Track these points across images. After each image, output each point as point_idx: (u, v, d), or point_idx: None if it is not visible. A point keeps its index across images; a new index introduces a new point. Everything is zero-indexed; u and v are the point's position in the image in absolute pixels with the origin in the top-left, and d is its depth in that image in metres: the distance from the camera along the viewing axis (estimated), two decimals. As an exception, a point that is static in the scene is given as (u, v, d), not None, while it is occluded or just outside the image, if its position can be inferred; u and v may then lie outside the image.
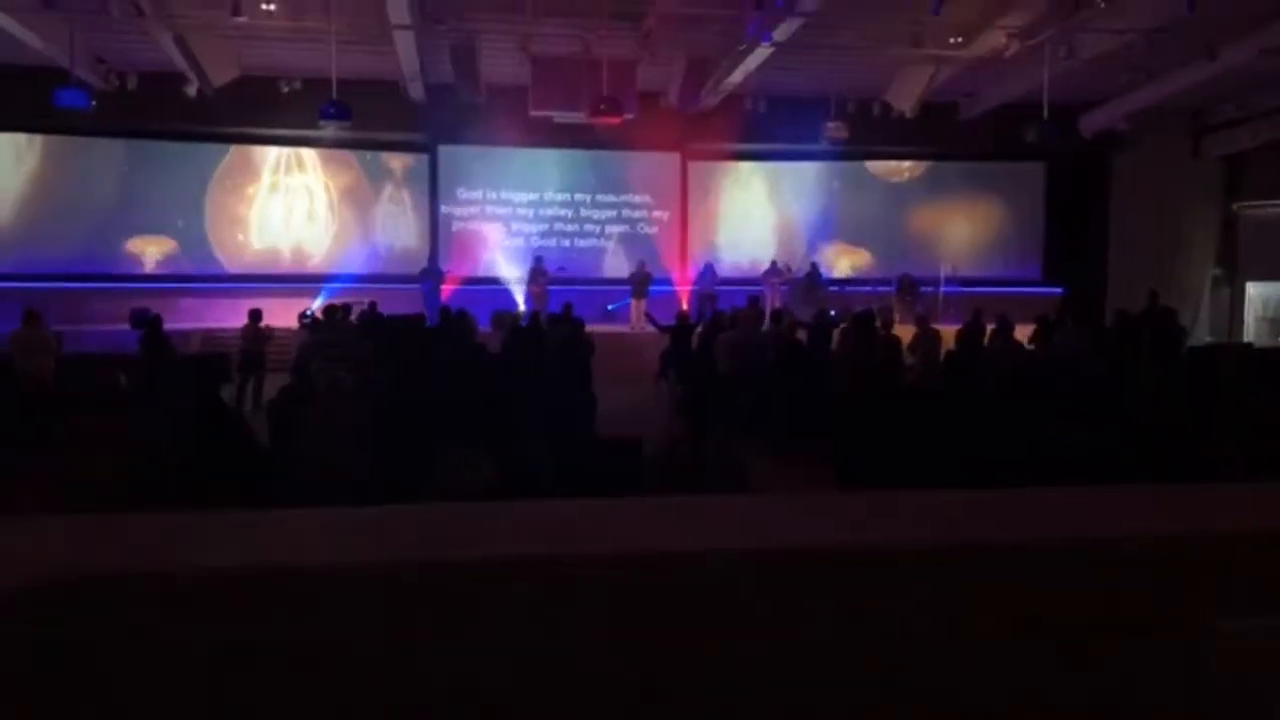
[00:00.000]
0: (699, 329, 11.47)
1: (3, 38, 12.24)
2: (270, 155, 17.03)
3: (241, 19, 11.55)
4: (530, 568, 1.27)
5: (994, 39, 13.03)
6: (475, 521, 1.52)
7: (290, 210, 17.14)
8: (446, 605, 1.25)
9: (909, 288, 16.51)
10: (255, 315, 11.04)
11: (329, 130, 14.23)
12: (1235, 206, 18.12)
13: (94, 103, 12.94)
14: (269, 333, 11.09)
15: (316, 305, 13.77)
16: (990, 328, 9.69)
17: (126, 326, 12.68)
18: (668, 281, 17.41)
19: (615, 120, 13.46)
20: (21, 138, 15.91)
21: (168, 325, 10.75)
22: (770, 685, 1.30)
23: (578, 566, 1.28)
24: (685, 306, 15.26)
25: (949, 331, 10.30)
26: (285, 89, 15.19)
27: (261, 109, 15.42)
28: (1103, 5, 11.39)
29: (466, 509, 1.63)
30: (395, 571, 1.26)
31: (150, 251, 16.63)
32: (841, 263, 18.58)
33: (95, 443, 3.85)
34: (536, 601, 1.26)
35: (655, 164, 17.84)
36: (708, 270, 16.94)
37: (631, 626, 1.27)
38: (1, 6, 11.13)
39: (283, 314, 14.60)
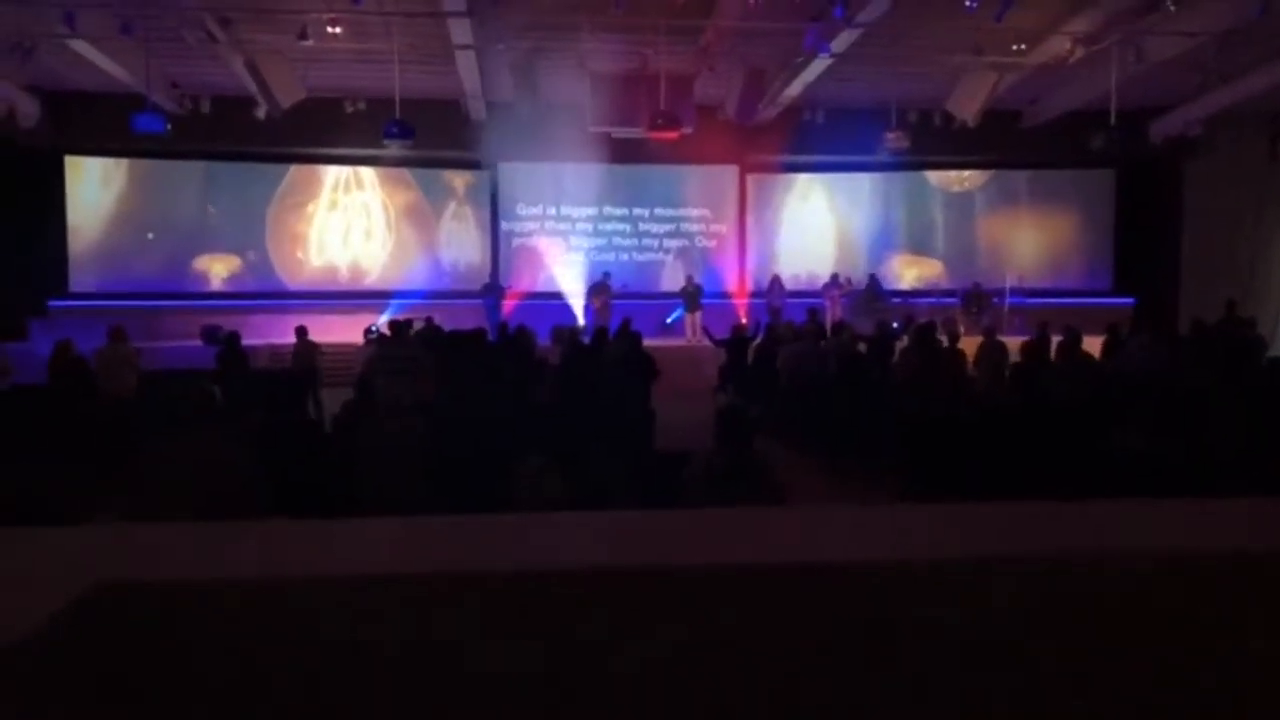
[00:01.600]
0: (755, 342, 11.42)
1: (86, 65, 12.75)
2: (330, 174, 17.43)
3: (308, 42, 11.88)
4: (588, 577, 1.28)
5: (1058, 45, 12.80)
6: (534, 531, 1.54)
7: (349, 228, 17.53)
8: (505, 612, 1.27)
9: (975, 299, 16.23)
10: (302, 332, 11.26)
11: (392, 149, 14.52)
12: (1315, 212, 17.49)
13: (169, 127, 13.40)
14: (317, 348, 11.29)
15: (382, 321, 14.01)
16: (1057, 340, 9.48)
17: (194, 342, 13.07)
18: (725, 295, 17.38)
19: (673, 135, 13.50)
20: (109, 161, 16.56)
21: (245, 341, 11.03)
22: (821, 694, 1.28)
23: (645, 576, 1.28)
24: (743, 319, 15.20)
25: (1014, 343, 10.10)
26: (350, 109, 15.54)
27: (327, 129, 15.80)
28: (1172, 8, 11.13)
29: (527, 520, 1.65)
30: (452, 581, 1.28)
31: (217, 269, 17.13)
32: (909, 273, 18.36)
33: (182, 457, 3.96)
34: (595, 609, 1.27)
35: (713, 177, 17.85)
36: (774, 283, 16.86)
37: (681, 635, 1.27)
38: (82, 34, 11.59)
39: (344, 330, 14.92)
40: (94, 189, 16.64)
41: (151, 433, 4.07)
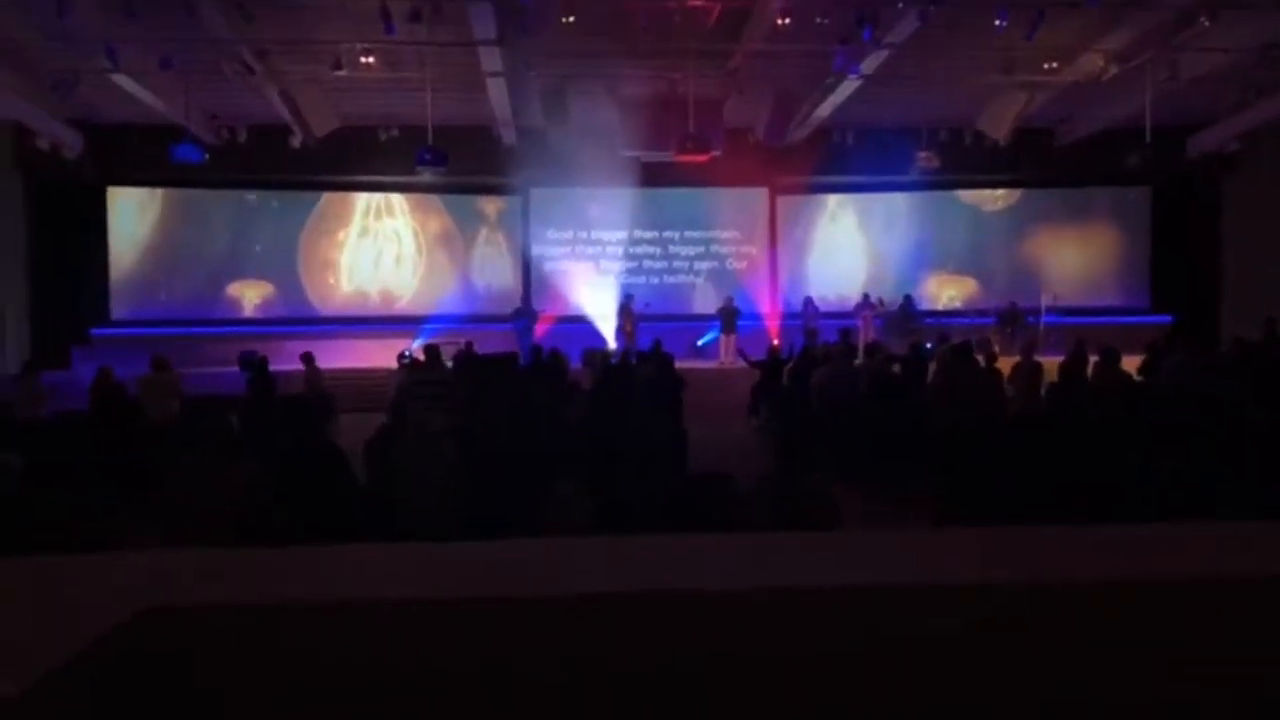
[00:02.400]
0: (790, 363, 11.37)
1: (126, 98, 13.05)
2: (361, 201, 17.66)
3: (342, 72, 12.08)
4: (626, 602, 1.28)
5: (1090, 63, 12.71)
6: (569, 557, 1.53)
7: (380, 254, 17.73)
8: (539, 637, 1.26)
9: (1011, 318, 16.07)
10: (308, 358, 11.37)
11: (425, 175, 14.69)
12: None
13: (207, 156, 13.65)
14: (320, 375, 11.38)
15: (415, 345, 14.13)
16: (1094, 359, 9.35)
17: (232, 369, 13.23)
18: (757, 316, 17.34)
19: (702, 158, 13.55)
20: (144, 192, 16.90)
21: (271, 367, 11.17)
22: (865, 713, 1.27)
23: (675, 601, 1.28)
24: (776, 341, 15.15)
25: (1051, 363, 9.97)
26: (383, 136, 15.75)
27: (360, 156, 16.02)
28: (1206, 24, 11.02)
29: (560, 544, 1.65)
30: (493, 605, 1.28)
31: (249, 296, 17.37)
32: (943, 294, 18.23)
33: (206, 483, 4.01)
34: (631, 634, 1.26)
35: (743, 199, 17.88)
36: (809, 304, 16.80)
37: (725, 660, 1.26)
38: (124, 69, 11.87)
39: (377, 355, 15.06)
40: (133, 219, 16.98)
41: (176, 459, 4.12)
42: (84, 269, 16.46)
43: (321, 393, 10.97)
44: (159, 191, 16.92)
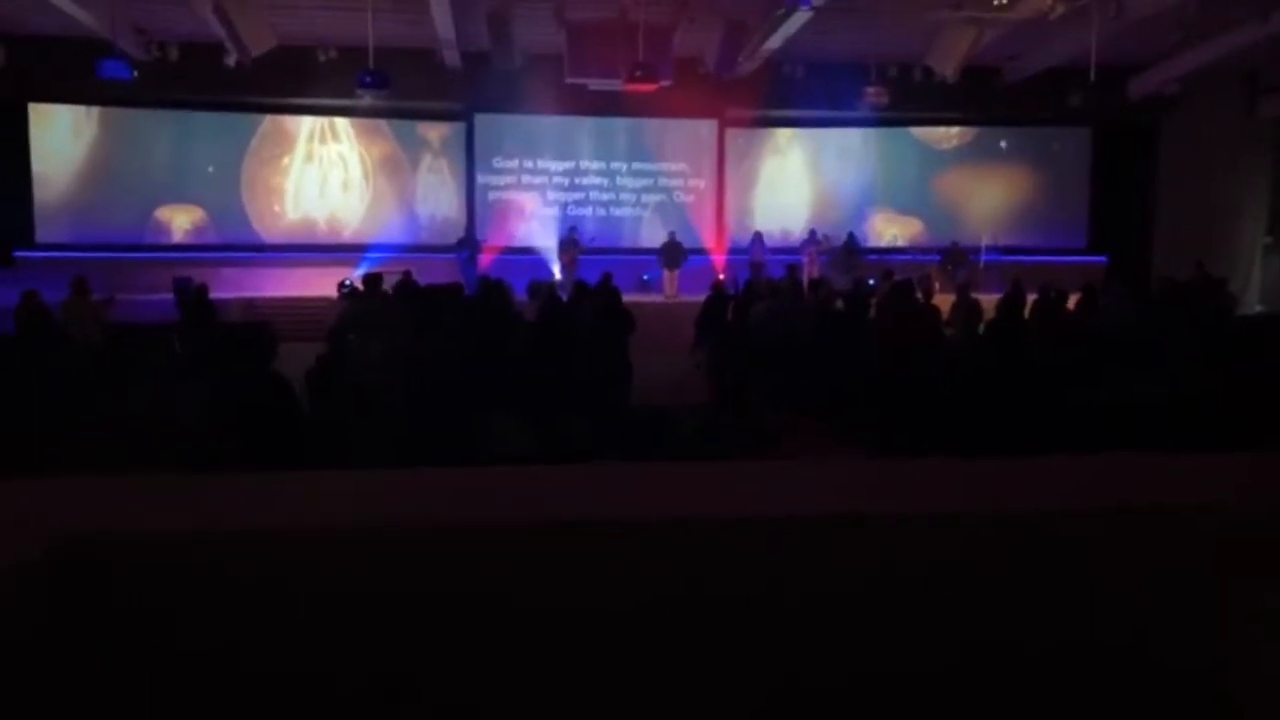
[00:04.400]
0: (734, 298, 11.40)
1: (45, 7, 12.38)
2: (305, 125, 17.11)
3: (279, -12, 11.61)
4: (562, 531, 1.27)
5: (1039, 1, 12.71)
6: (510, 485, 1.52)
7: (325, 180, 17.25)
8: (481, 565, 1.26)
9: (954, 256, 16.27)
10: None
11: (366, 99, 14.27)
12: (1289, 172, 17.63)
13: (136, 74, 13.06)
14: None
15: (356, 275, 13.87)
16: (1032, 297, 9.53)
17: (167, 295, 12.88)
18: (703, 251, 17.31)
19: (651, 87, 13.34)
20: (80, 110, 16.15)
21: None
22: (799, 644, 1.29)
23: (607, 529, 1.27)
24: (721, 276, 15.17)
25: (989, 301, 10.15)
26: (322, 58, 15.23)
27: (299, 78, 15.48)
28: (1154, -36, 11.07)
29: (499, 473, 1.63)
30: (427, 533, 1.27)
31: (179, 220, 16.82)
32: (889, 231, 18.34)
33: (146, 413, 3.91)
34: (568, 563, 1.26)
35: (692, 131, 17.69)
36: (757, 240, 16.81)
37: (661, 589, 1.27)
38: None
39: (320, 283, 14.76)
40: (62, 138, 16.24)
41: (113, 387, 4.00)
42: (4, 189, 15.75)
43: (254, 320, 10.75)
44: (94, 110, 16.17)
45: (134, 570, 1.23)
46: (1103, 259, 17.28)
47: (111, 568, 1.23)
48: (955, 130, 18.30)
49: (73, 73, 13.98)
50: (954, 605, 1.31)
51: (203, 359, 6.45)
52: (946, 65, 15.22)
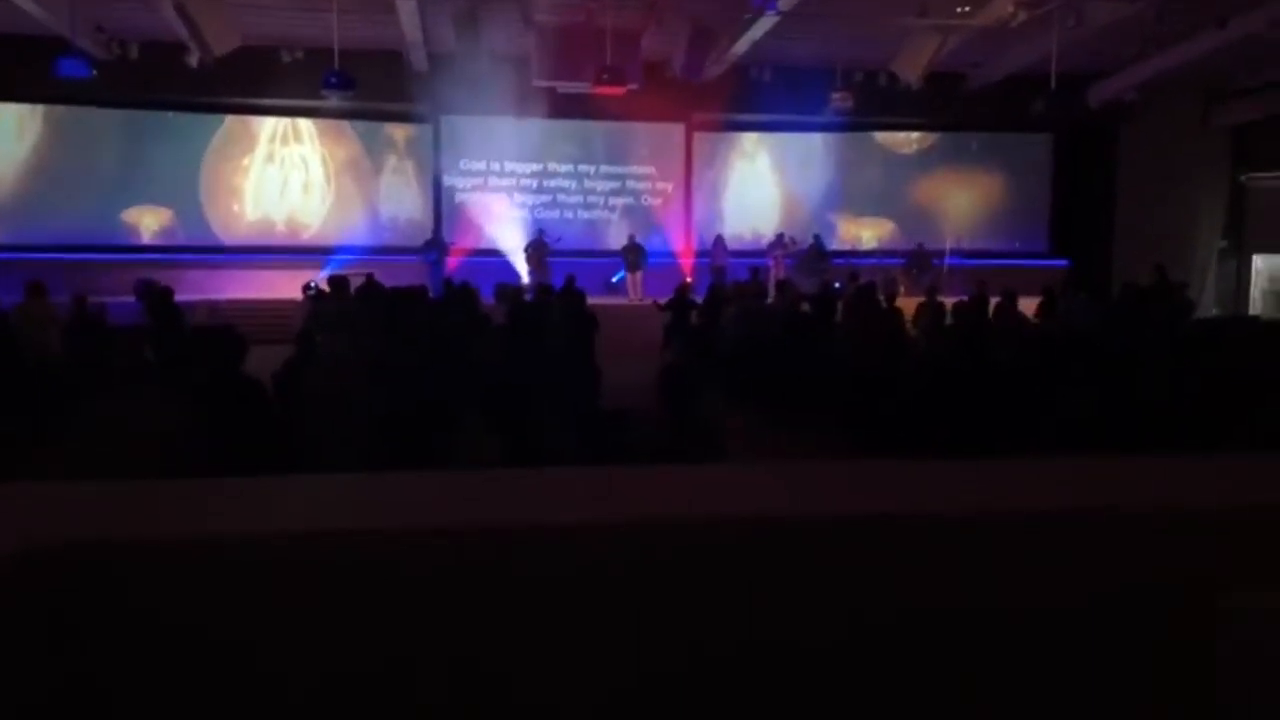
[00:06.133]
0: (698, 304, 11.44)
1: (5, 6, 12.15)
2: (267, 125, 16.93)
3: (242, -13, 11.48)
4: (527, 534, 1.27)
5: (1001, 8, 12.88)
6: (477, 489, 1.52)
7: (286, 181, 17.08)
8: (445, 570, 1.25)
9: (918, 260, 16.44)
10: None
11: (331, 100, 14.15)
12: (1244, 178, 18.00)
13: (94, 72, 12.85)
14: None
15: (321, 277, 13.75)
16: (995, 300, 9.65)
17: (128, 298, 12.65)
18: (670, 254, 17.35)
19: (619, 90, 13.36)
20: (25, 108, 15.85)
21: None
22: (759, 651, 1.30)
23: (573, 532, 1.28)
24: (688, 279, 15.23)
25: (954, 304, 10.27)
26: (286, 58, 15.08)
27: (263, 79, 15.32)
28: (1112, -27, 11.27)
29: (467, 477, 1.63)
30: (394, 538, 1.26)
31: (147, 222, 16.59)
32: (854, 234, 18.50)
33: (117, 417, 3.84)
34: (538, 568, 1.26)
35: (659, 135, 17.73)
36: (718, 243, 16.88)
37: (623, 592, 1.27)
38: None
39: (284, 285, 14.60)
40: (9, 136, 15.92)
41: (82, 392, 3.93)
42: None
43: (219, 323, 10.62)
44: (38, 109, 15.87)
45: (104, 577, 1.22)
46: (1064, 262, 17.54)
47: (80, 575, 1.21)
48: (916, 135, 18.51)
49: (28, 71, 13.74)
50: (922, 608, 1.32)
51: (171, 363, 6.35)
52: (911, 71, 15.40)
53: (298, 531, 1.26)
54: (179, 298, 9.92)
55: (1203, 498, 1.46)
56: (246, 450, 4.24)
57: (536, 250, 15.79)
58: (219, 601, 1.21)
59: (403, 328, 7.77)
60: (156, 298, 9.87)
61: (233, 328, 9.73)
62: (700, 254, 17.29)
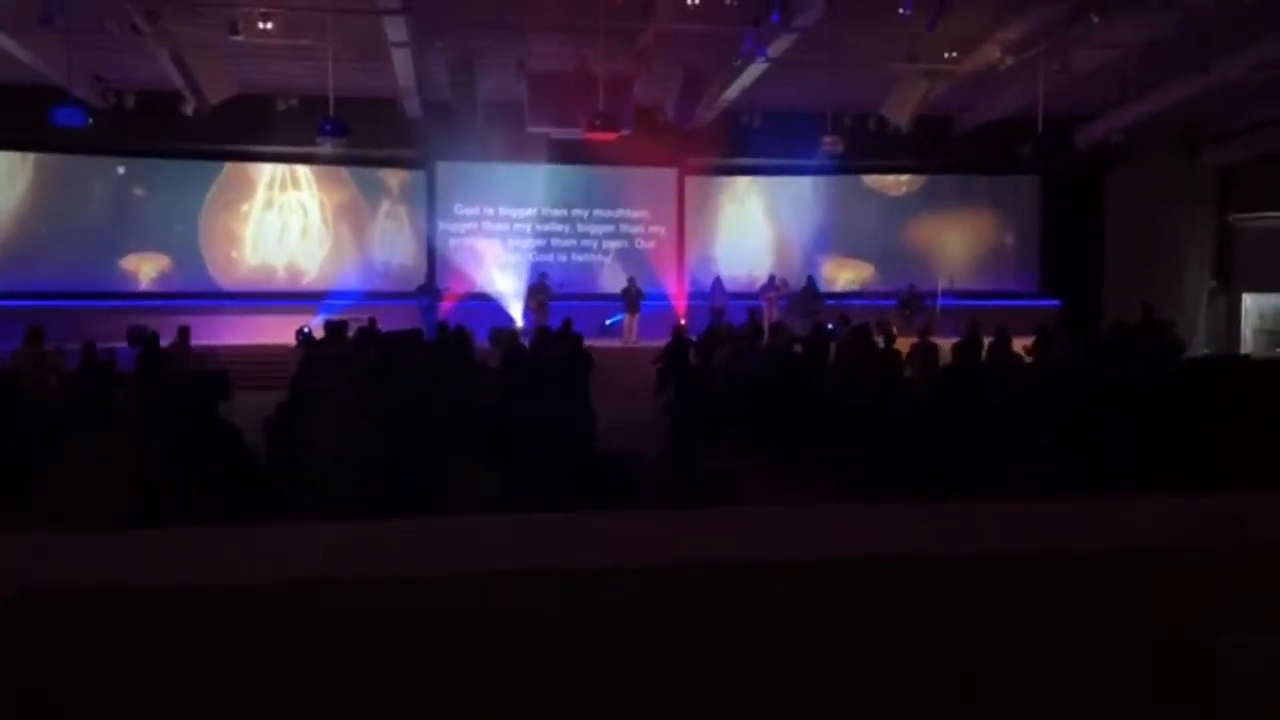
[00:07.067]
0: (695, 343, 11.49)
1: (3, 57, 12.28)
2: (265, 172, 17.04)
3: (239, 37, 11.61)
4: (528, 580, 1.27)
5: (988, 53, 13.10)
6: (474, 535, 1.52)
7: (285, 227, 17.16)
8: (445, 617, 1.25)
9: (910, 301, 16.53)
10: (183, 333, 11.05)
11: (326, 147, 14.26)
12: (1231, 218, 18.17)
13: (91, 121, 12.95)
14: (189, 350, 11.03)
15: (315, 322, 13.76)
16: (989, 340, 9.70)
17: (125, 344, 12.64)
18: (665, 296, 17.41)
19: (612, 136, 13.49)
20: (16, 156, 15.93)
21: (165, 342, 10.75)
22: (763, 692, 1.29)
23: (575, 578, 1.27)
24: (682, 321, 15.28)
25: (947, 344, 10.31)
26: (282, 106, 15.22)
27: (258, 126, 15.44)
28: (1095, 20, 11.47)
29: (466, 523, 1.62)
30: (395, 584, 1.26)
31: (145, 269, 16.63)
32: (841, 276, 18.60)
33: (94, 460, 3.83)
34: (534, 612, 1.25)
35: (652, 179, 17.87)
36: (717, 284, 16.97)
37: (627, 637, 1.27)
38: (0, 25, 11.16)
39: (279, 331, 14.61)
40: (1, 184, 15.95)
41: (65, 438, 3.93)
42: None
43: (207, 368, 10.60)
44: (29, 157, 15.92)
45: (90, 624, 1.21)
46: (1056, 302, 17.64)
47: (67, 621, 1.20)
48: (905, 178, 18.70)
49: (25, 119, 13.82)
50: (923, 646, 1.32)
51: (149, 408, 6.35)
52: (900, 115, 15.61)
53: (282, 580, 1.26)
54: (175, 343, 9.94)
55: (1201, 537, 1.46)
56: (223, 496, 4.22)
57: (538, 294, 15.84)
58: (200, 647, 1.20)
59: (397, 372, 7.78)
60: (143, 343, 9.88)
61: (207, 373, 9.74)
62: (697, 295, 17.36)
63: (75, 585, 1.24)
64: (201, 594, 1.26)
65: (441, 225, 17.42)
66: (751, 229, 18.51)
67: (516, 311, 16.53)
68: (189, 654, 1.22)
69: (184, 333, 11.04)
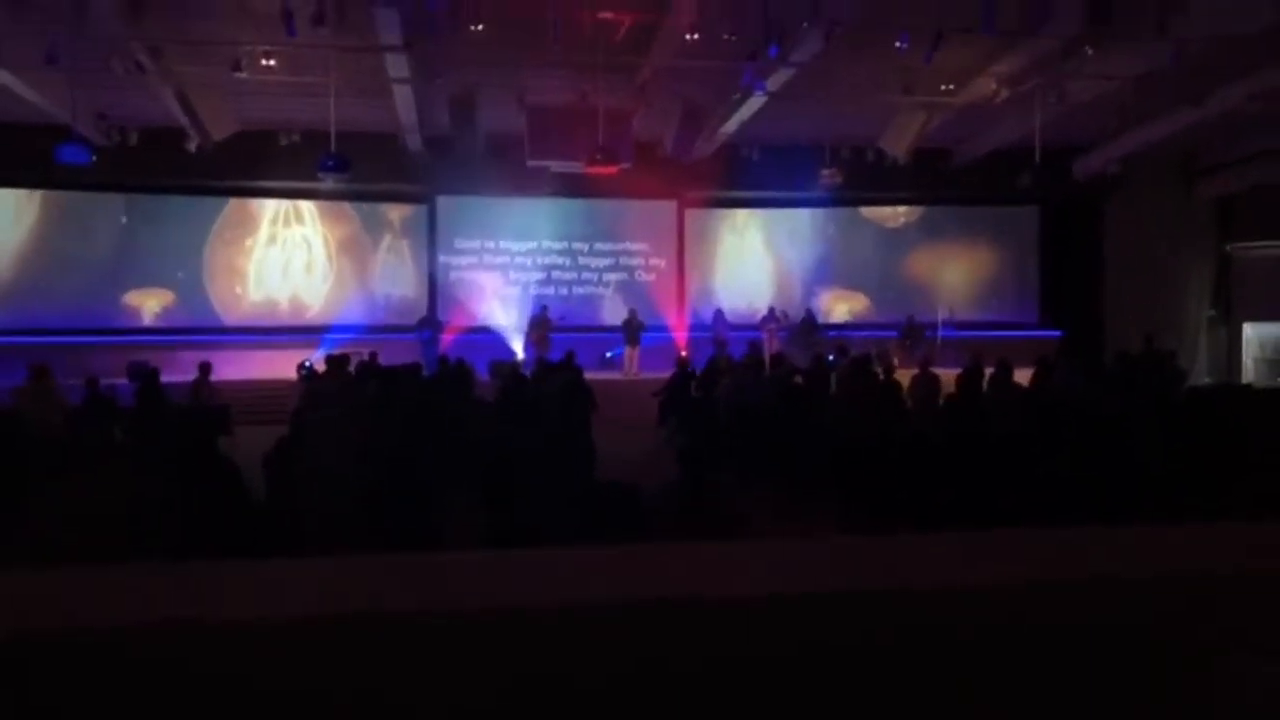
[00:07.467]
0: (697, 375, 11.48)
1: (4, 95, 12.39)
2: (269, 207, 17.14)
3: (242, 75, 11.73)
4: (529, 616, 1.25)
5: (984, 86, 13.22)
6: (473, 571, 1.50)
7: (288, 262, 17.23)
8: (443, 654, 1.23)
9: (910, 332, 16.54)
10: (204, 368, 11.04)
11: (328, 182, 14.35)
12: (1229, 247, 18.23)
13: (95, 158, 13.05)
14: (207, 387, 11.02)
15: (316, 356, 13.77)
16: (989, 371, 9.69)
17: (123, 380, 12.65)
18: (665, 329, 17.45)
19: (611, 170, 13.58)
20: (22, 193, 16.03)
21: (168, 378, 10.76)
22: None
23: (578, 613, 1.26)
24: (684, 353, 15.29)
25: (947, 375, 10.30)
26: (284, 141, 15.35)
27: (261, 162, 15.57)
28: (1090, 52, 11.58)
29: (464, 559, 1.61)
30: (391, 620, 1.24)
31: (149, 305, 16.68)
32: (839, 308, 18.65)
33: (93, 496, 3.82)
34: (534, 649, 1.24)
35: (652, 212, 17.98)
36: (718, 317, 17.01)
37: (632, 671, 1.25)
38: (4, 64, 11.27)
39: (282, 365, 14.63)
40: (5, 222, 16.05)
41: (63, 475, 3.92)
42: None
43: (208, 404, 10.58)
44: (35, 194, 16.02)
45: (75, 663, 1.20)
46: (1057, 333, 17.65)
47: (52, 662, 1.19)
48: (904, 209, 18.79)
49: (29, 157, 13.92)
50: (927, 680, 1.31)
51: (145, 443, 6.34)
52: (898, 147, 15.73)
53: (278, 617, 1.25)
54: (177, 378, 9.93)
55: (1202, 565, 1.45)
56: (216, 531, 4.20)
57: (539, 326, 15.86)
58: (203, 683, 1.19)
59: (396, 406, 7.77)
60: (143, 379, 9.89)
61: (219, 407, 9.71)
62: (698, 328, 17.40)
63: (70, 622, 1.23)
64: (198, 630, 1.24)
65: (442, 259, 17.50)
66: (751, 261, 18.59)
67: (518, 345, 16.56)
68: (185, 691, 1.20)
69: (205, 369, 11.04)
